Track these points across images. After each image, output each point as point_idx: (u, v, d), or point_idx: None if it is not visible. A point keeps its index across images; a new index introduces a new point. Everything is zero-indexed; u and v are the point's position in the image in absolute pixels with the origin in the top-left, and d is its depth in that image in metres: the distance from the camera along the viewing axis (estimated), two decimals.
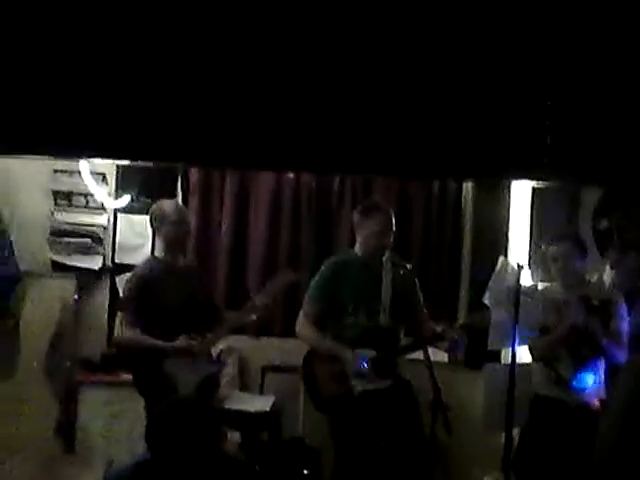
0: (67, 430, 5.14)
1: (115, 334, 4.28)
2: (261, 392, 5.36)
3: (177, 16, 3.30)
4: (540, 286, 4.46)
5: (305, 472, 4.88)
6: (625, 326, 4.07)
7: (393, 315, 4.13)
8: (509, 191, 5.39)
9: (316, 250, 5.49)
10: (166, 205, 4.37)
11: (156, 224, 4.31)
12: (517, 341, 3.82)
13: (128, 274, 4.47)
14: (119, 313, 4.26)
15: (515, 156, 3.45)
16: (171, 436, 2.44)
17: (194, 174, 5.58)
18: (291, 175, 5.50)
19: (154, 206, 4.41)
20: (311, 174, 5.47)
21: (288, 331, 4.88)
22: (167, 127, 3.80)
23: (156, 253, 4.42)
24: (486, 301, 4.31)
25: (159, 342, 4.12)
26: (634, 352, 3.95)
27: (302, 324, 4.23)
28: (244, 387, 5.49)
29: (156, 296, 4.17)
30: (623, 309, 4.11)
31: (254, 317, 4.35)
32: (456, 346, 4.16)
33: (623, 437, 2.15)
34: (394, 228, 4.18)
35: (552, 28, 3.13)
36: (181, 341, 4.13)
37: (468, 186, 5.54)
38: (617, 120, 3.40)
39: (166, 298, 4.18)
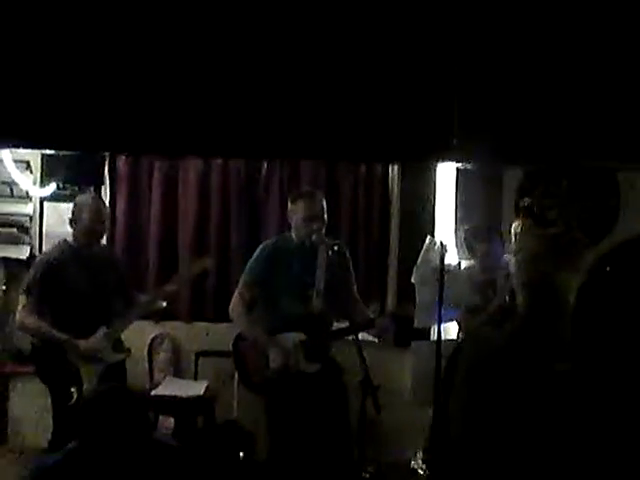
0: None
1: (16, 318, 4.26)
2: (195, 377, 5.38)
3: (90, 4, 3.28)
4: (463, 264, 4.58)
5: (240, 455, 4.93)
6: None
7: (326, 300, 4.18)
8: (434, 172, 5.50)
9: (245, 236, 5.53)
10: (84, 199, 4.41)
11: (73, 218, 4.30)
12: (442, 318, 3.94)
13: None
14: (22, 297, 4.23)
15: (436, 139, 3.53)
16: (95, 425, 2.46)
17: (122, 161, 5.54)
18: (219, 161, 5.51)
19: (76, 199, 4.45)
20: (239, 160, 5.49)
21: (220, 316, 4.91)
22: (91, 115, 3.77)
23: (69, 238, 4.37)
24: (413, 280, 4.42)
25: (60, 335, 4.12)
26: None
27: (235, 305, 4.27)
28: (178, 373, 5.51)
29: (63, 281, 4.17)
30: None
31: (163, 304, 4.44)
32: (385, 332, 4.26)
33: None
34: (323, 211, 4.23)
35: (465, 11, 3.21)
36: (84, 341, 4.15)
37: (394, 168, 5.63)
38: (533, 99, 3.50)
39: (73, 284, 4.18)
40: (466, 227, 4.66)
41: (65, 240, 4.36)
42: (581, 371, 2.15)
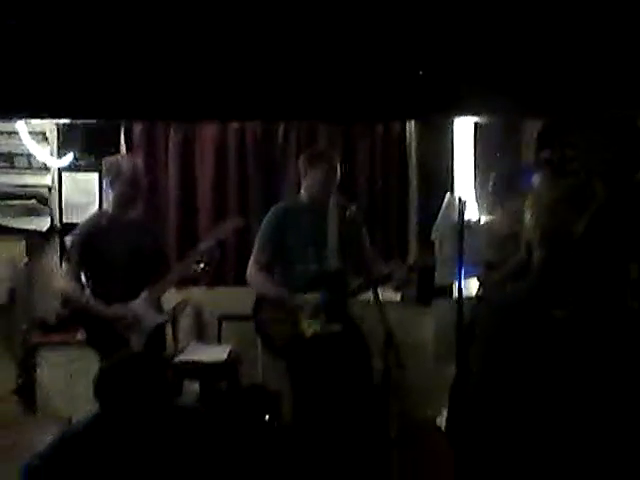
0: (27, 392, 5.15)
1: (56, 283, 4.39)
2: (219, 342, 5.41)
3: None
4: (483, 219, 4.54)
5: (266, 417, 4.96)
6: None
7: (341, 259, 4.20)
8: (452, 127, 5.43)
9: (263, 197, 5.50)
10: (122, 162, 4.39)
11: (109, 179, 4.32)
12: (463, 275, 3.90)
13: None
14: (63, 265, 4.35)
15: (453, 93, 3.48)
16: (115, 391, 2.48)
17: (137, 128, 5.52)
18: (235, 124, 5.48)
19: (109, 160, 4.42)
20: (255, 121, 5.45)
21: (242, 280, 4.92)
22: (105, 83, 3.75)
23: (106, 206, 4.43)
24: (433, 237, 4.38)
25: (101, 308, 4.18)
26: None
27: (252, 270, 4.32)
28: (201, 338, 5.53)
29: (100, 249, 4.22)
30: None
31: (200, 266, 4.37)
32: (405, 284, 4.27)
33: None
34: (338, 175, 4.24)
35: None
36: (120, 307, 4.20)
37: (411, 125, 5.57)
38: (550, 49, 3.42)
39: (110, 251, 4.22)
40: (494, 177, 4.58)
41: (102, 210, 4.43)
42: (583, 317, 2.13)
